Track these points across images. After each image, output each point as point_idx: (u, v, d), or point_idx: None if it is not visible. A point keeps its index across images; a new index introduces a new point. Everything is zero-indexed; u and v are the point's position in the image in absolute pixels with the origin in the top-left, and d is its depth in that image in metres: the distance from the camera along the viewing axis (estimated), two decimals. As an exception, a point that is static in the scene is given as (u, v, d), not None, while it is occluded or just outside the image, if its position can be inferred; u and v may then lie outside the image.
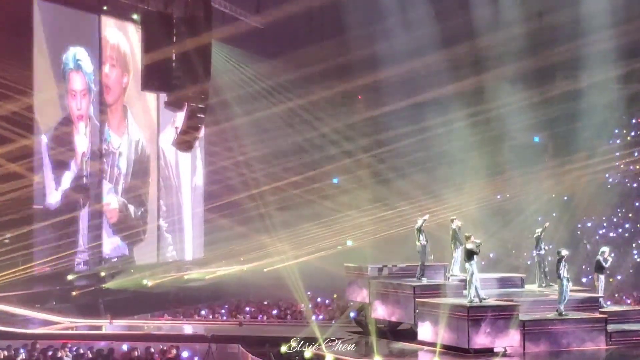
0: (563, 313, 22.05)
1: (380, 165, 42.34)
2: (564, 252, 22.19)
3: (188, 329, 29.45)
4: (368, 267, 25.39)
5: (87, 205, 35.09)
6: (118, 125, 37.80)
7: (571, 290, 22.55)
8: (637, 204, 40.97)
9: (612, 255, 24.14)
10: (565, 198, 41.57)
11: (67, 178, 34.03)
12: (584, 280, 35.48)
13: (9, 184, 30.45)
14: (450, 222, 24.45)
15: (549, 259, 25.20)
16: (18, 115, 30.90)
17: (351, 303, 27.19)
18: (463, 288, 22.57)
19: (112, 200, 37.41)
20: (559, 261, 22.13)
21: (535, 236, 24.94)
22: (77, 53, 35.02)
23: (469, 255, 21.87)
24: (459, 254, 23.99)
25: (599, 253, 23.68)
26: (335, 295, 33.61)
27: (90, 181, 35.42)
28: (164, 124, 40.05)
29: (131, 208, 38.39)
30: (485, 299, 21.62)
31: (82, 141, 35.07)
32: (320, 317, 30.40)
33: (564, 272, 22.00)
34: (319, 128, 41.52)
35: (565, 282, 22.04)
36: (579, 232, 40.79)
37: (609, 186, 40.98)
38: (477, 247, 21.75)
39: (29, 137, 31.68)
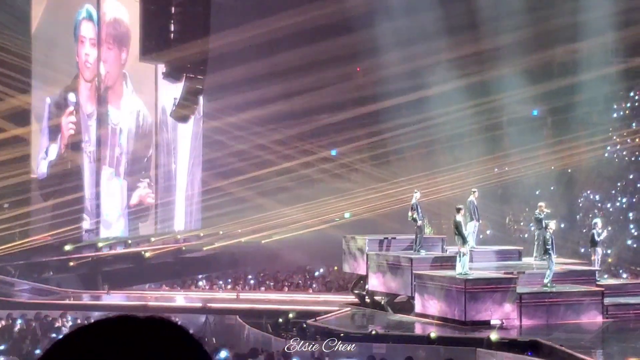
0: (550, 285, 22.06)
1: (382, 148, 42.28)
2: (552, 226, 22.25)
3: (186, 300, 29.50)
4: (366, 239, 25.41)
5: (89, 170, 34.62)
6: (117, 100, 37.30)
7: (568, 264, 22.49)
8: (632, 176, 40.77)
9: (609, 228, 24.14)
10: (565, 172, 41.47)
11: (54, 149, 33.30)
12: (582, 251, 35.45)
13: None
14: (471, 193, 24.69)
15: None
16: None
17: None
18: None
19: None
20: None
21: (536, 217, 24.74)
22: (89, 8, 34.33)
23: (457, 227, 21.95)
24: (472, 226, 24.08)
25: (592, 226, 23.71)
26: (335, 267, 33.62)
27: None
28: (163, 95, 39.58)
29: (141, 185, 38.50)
30: (468, 274, 21.56)
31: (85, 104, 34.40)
32: (317, 288, 30.49)
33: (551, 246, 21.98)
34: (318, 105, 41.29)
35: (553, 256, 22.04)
36: (581, 205, 40.72)
37: (607, 160, 40.84)
38: (459, 224, 21.96)
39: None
